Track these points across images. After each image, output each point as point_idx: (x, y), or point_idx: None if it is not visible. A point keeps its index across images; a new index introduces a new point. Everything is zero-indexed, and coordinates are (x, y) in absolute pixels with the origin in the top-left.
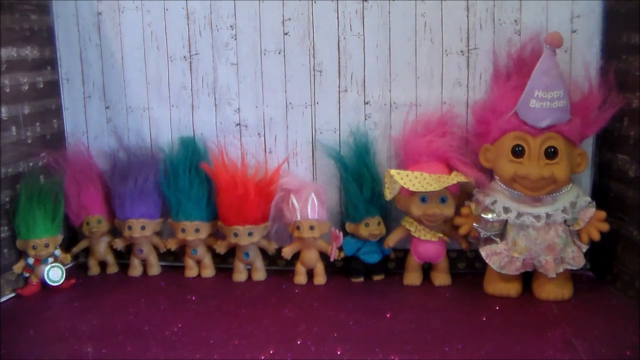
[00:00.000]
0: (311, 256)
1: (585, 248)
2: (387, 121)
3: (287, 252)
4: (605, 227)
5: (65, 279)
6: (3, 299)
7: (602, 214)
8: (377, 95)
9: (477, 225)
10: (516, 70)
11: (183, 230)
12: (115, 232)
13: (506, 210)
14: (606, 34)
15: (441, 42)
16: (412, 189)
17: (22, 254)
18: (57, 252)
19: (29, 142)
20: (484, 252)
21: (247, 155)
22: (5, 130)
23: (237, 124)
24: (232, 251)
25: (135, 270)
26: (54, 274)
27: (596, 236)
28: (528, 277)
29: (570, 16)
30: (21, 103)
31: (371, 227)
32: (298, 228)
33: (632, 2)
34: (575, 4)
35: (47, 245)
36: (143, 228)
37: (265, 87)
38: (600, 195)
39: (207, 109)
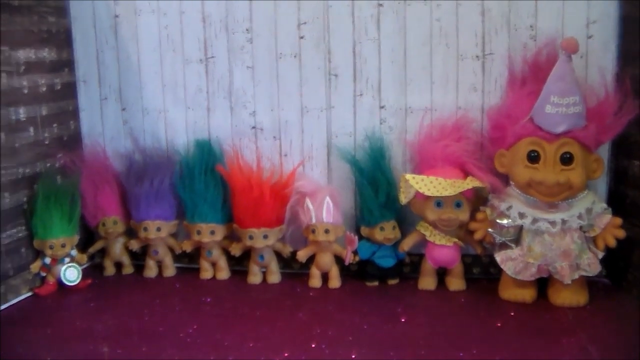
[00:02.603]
0: (326, 259)
1: (601, 255)
2: (403, 126)
3: (302, 255)
4: (621, 233)
5: (82, 279)
6: (20, 298)
7: (618, 221)
8: (393, 99)
9: (492, 231)
10: (531, 76)
11: (198, 232)
12: (131, 233)
13: (521, 215)
14: (622, 40)
15: (456, 47)
16: (427, 193)
17: (39, 254)
18: (74, 252)
19: (46, 143)
20: (499, 257)
21: (263, 158)
22: (23, 131)
23: (253, 127)
24: (247, 253)
25: (151, 271)
26: (71, 274)
27: (612, 243)
28: (543, 283)
29: (586, 22)
30: (39, 104)
31: (386, 231)
32: (313, 231)
33: None
34: (591, 9)
35: (63, 246)
36: (159, 229)
37: (281, 91)
38: (616, 201)
39: (223, 112)
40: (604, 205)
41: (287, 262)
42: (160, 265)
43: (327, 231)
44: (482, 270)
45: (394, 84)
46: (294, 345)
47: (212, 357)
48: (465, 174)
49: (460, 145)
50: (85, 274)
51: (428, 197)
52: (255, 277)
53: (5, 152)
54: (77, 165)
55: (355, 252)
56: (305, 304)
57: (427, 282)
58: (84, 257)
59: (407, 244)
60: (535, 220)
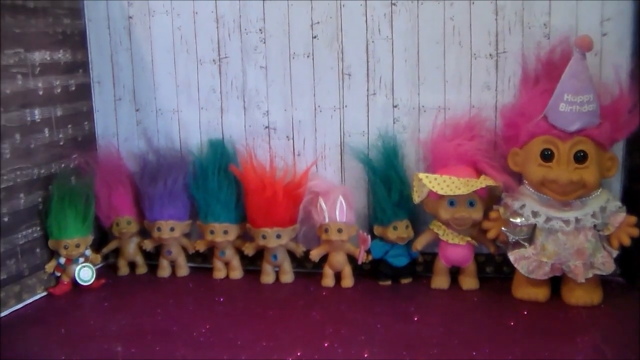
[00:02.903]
0: (339, 259)
1: (615, 253)
2: (416, 124)
3: (315, 254)
4: (635, 232)
5: (96, 278)
6: (35, 298)
7: (633, 219)
8: (406, 98)
9: (505, 229)
10: (545, 74)
11: (212, 232)
12: (144, 233)
13: (535, 214)
14: (637, 37)
15: (470, 45)
16: (440, 192)
17: (53, 254)
18: (88, 252)
19: (61, 143)
20: (512, 256)
21: (276, 158)
22: (38, 132)
23: (266, 127)
24: (260, 253)
25: (164, 271)
26: (85, 274)
27: (627, 241)
28: (557, 282)
29: (600, 19)
30: (54, 105)
31: (399, 230)
32: (326, 231)
33: None
34: (605, 6)
35: (78, 246)
36: (172, 229)
37: (294, 91)
38: (630, 199)
39: (236, 112)
40: (618, 203)
41: (300, 262)
42: (173, 265)
43: (340, 230)
44: (495, 269)
45: (407, 83)
46: (306, 344)
47: (225, 357)
48: (479, 172)
49: (474, 144)
50: (99, 273)
51: (441, 196)
52: (268, 277)
53: (21, 153)
54: (91, 166)
55: (368, 251)
56: (318, 303)
57: (440, 281)
58: (98, 257)
59: (420, 243)
60: (548, 219)
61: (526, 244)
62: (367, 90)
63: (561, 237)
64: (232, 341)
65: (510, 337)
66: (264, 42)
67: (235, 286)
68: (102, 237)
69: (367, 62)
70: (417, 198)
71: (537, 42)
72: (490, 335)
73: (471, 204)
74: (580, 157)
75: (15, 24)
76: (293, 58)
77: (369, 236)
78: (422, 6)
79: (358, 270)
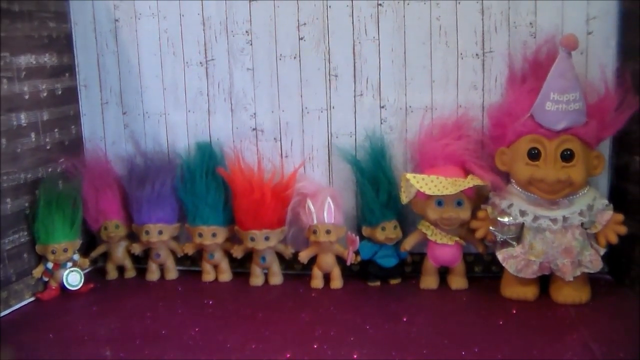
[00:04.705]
0: (328, 260)
1: (602, 251)
2: (403, 125)
3: (304, 256)
4: (623, 230)
5: (84, 283)
6: (23, 303)
7: (620, 217)
8: (393, 99)
9: (493, 229)
10: (532, 73)
11: (200, 235)
12: (133, 236)
13: (522, 213)
14: (622, 35)
15: (456, 45)
16: (428, 192)
17: (41, 259)
18: (76, 256)
19: (48, 148)
20: (500, 255)
21: (264, 160)
22: (24, 136)
23: (254, 129)
24: (249, 255)
25: (153, 274)
26: (73, 279)
27: (614, 239)
28: (545, 281)
29: (585, 18)
30: (40, 109)
31: (387, 231)
32: (314, 232)
33: None
34: (590, 5)
35: (65, 250)
36: (160, 233)
37: (281, 92)
38: (617, 197)
39: (224, 114)
40: (605, 201)
41: (289, 264)
42: (162, 268)
43: (328, 232)
44: (483, 269)
45: (394, 84)
46: (296, 346)
47: (214, 359)
48: (466, 172)
49: (461, 144)
50: (88, 278)
51: (429, 196)
52: (257, 279)
53: (7, 158)
54: (78, 170)
55: (356, 253)
56: (307, 305)
57: (429, 282)
58: (86, 262)
59: (408, 244)
60: (536, 218)
61: (514, 243)
62: (354, 91)
63: (549, 236)
64: (221, 344)
65: (499, 336)
66: (251, 44)
67: (224, 289)
68: (90, 241)
69: (354, 63)
70: (405, 198)
71: (523, 41)
72: (479, 335)
73: (459, 204)
74: (567, 156)
75: (0, 27)
76: (280, 60)
77: (358, 237)
78: (408, 6)
79: (347, 271)
